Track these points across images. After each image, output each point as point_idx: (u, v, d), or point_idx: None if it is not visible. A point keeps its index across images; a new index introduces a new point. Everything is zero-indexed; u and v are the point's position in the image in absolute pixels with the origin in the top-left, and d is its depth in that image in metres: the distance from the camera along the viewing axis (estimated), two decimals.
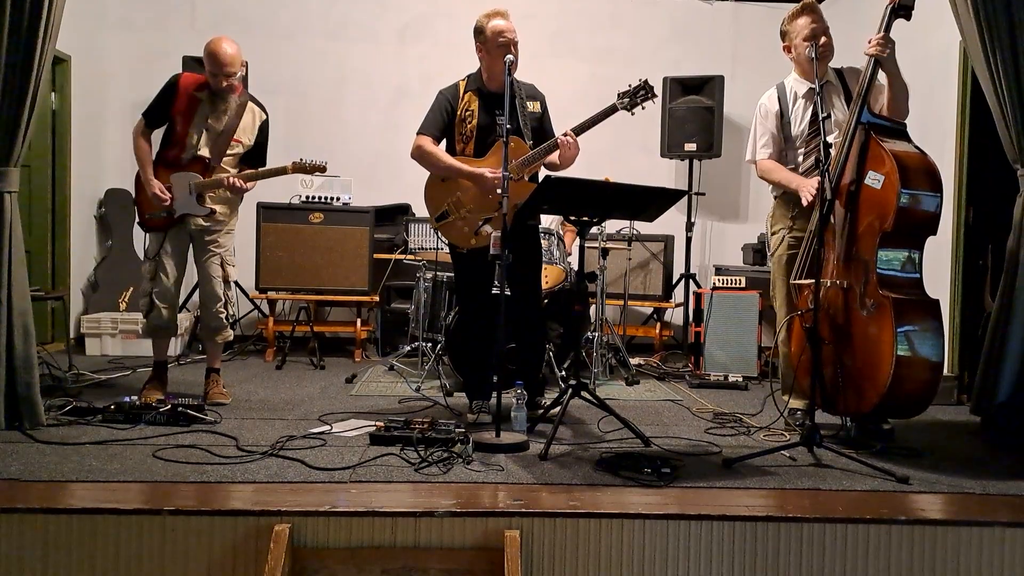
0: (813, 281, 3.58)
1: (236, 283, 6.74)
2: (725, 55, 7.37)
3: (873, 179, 3.66)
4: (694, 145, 6.85)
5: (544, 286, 4.93)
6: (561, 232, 5.52)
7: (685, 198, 7.05)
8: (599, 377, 5.47)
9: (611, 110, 3.93)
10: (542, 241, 5.03)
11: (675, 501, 2.95)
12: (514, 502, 2.88)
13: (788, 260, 4.09)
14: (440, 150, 4.13)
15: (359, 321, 6.45)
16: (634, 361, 6.28)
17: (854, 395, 3.68)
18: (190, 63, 6.53)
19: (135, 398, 4.12)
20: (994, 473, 3.42)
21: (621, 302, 6.32)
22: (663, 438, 3.88)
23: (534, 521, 2.77)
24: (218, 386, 4.55)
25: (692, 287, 6.83)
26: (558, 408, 3.92)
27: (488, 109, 4.08)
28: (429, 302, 5.59)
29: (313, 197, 6.41)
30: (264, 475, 3.14)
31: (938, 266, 5.36)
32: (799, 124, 4.13)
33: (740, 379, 5.53)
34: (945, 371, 5.22)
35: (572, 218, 3.77)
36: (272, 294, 6.37)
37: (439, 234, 4.31)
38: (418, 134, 4.12)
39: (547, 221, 5.09)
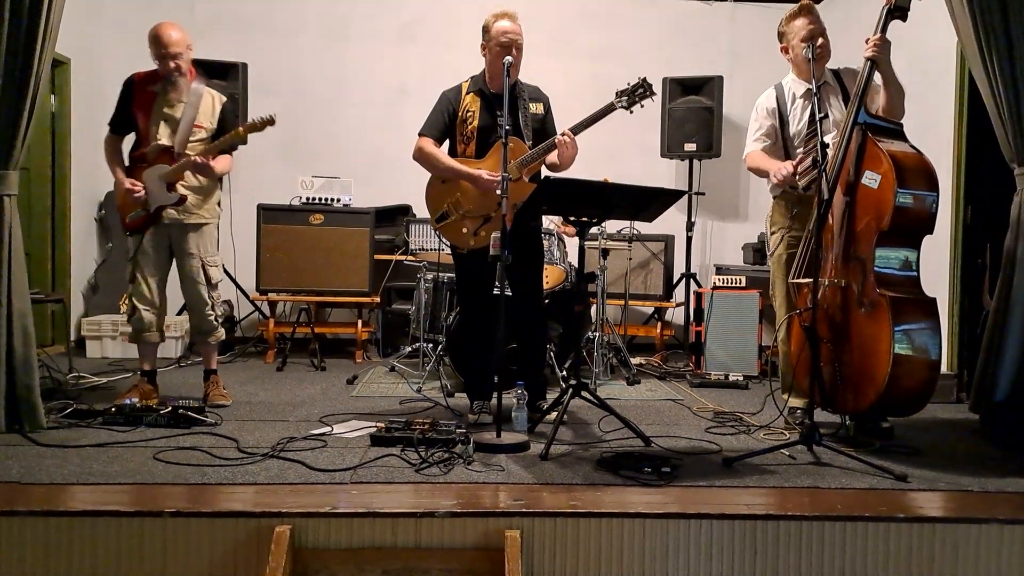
0: (811, 280, 3.59)
1: (237, 285, 6.87)
2: (723, 55, 7.39)
3: (870, 179, 3.67)
4: (694, 145, 6.87)
5: (545, 287, 4.94)
6: (559, 232, 5.54)
7: (685, 198, 7.08)
8: (600, 377, 5.48)
9: (609, 109, 3.94)
10: (543, 241, 5.06)
11: (675, 500, 2.96)
12: (514, 502, 2.89)
13: (787, 259, 4.10)
14: (440, 151, 4.14)
15: (360, 322, 6.46)
16: (635, 361, 6.30)
17: (852, 393, 3.68)
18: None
19: (136, 400, 4.12)
20: (993, 470, 3.43)
21: (622, 302, 6.32)
22: (664, 437, 3.89)
23: (535, 521, 2.78)
24: (218, 387, 4.56)
25: (693, 287, 6.84)
26: (559, 408, 3.92)
27: (489, 110, 4.09)
28: (430, 303, 5.60)
29: (313, 198, 6.42)
30: (265, 476, 3.15)
31: (937, 265, 5.37)
32: (797, 124, 4.14)
33: (741, 378, 5.54)
34: (944, 369, 5.28)
35: (572, 219, 3.77)
36: (273, 295, 6.37)
37: (440, 235, 4.32)
38: (420, 135, 4.15)
39: (546, 221, 5.09)
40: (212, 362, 4.66)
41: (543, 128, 4.18)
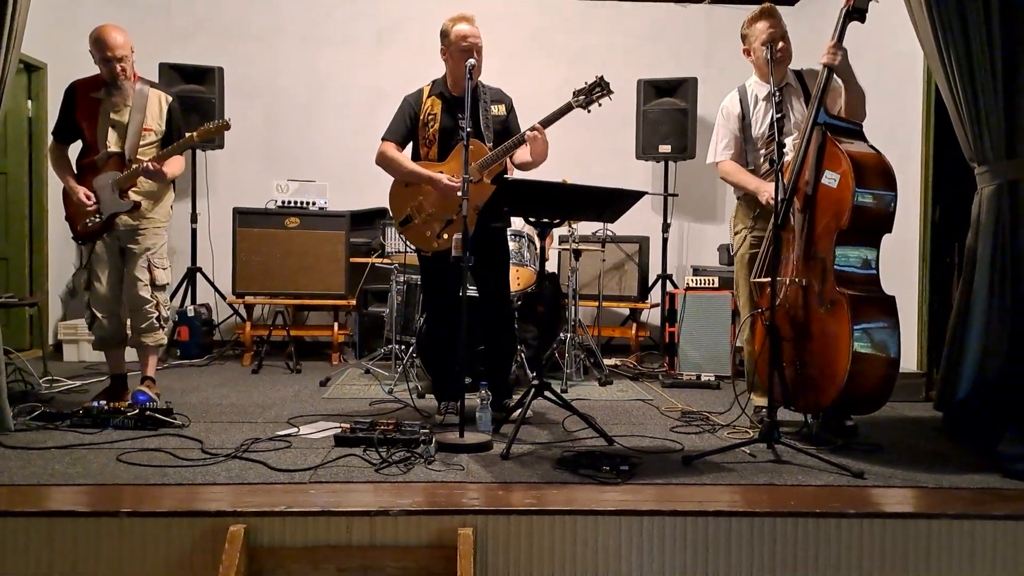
0: (772, 279, 3.63)
1: (215, 288, 6.88)
2: (698, 57, 7.41)
3: (830, 178, 3.71)
4: (668, 147, 6.89)
5: (515, 288, 4.97)
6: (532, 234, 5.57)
7: (661, 199, 7.12)
8: (572, 378, 5.51)
9: (567, 108, 3.96)
10: (512, 243, 5.08)
11: (630, 497, 2.99)
12: (470, 500, 2.92)
13: (750, 259, 4.13)
14: (401, 155, 4.17)
15: (336, 325, 6.48)
16: (611, 362, 6.33)
17: (813, 391, 3.72)
18: (167, 71, 6.57)
19: (104, 402, 4.12)
20: (951, 467, 3.47)
21: (596, 303, 6.35)
22: (627, 436, 3.91)
23: (489, 519, 2.81)
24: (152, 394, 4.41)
25: (669, 288, 6.86)
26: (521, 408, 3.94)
27: (450, 113, 4.11)
28: (403, 305, 5.62)
29: (289, 202, 6.44)
30: (225, 477, 3.17)
31: (906, 265, 5.41)
32: (760, 126, 4.17)
33: (712, 378, 5.56)
34: (914, 368, 5.34)
35: (532, 220, 3.80)
36: (249, 299, 6.39)
37: (403, 238, 4.34)
38: (382, 140, 4.18)
39: (519, 223, 5.11)
40: (149, 368, 4.54)
41: (506, 129, 4.20)
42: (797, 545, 2.83)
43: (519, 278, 5.09)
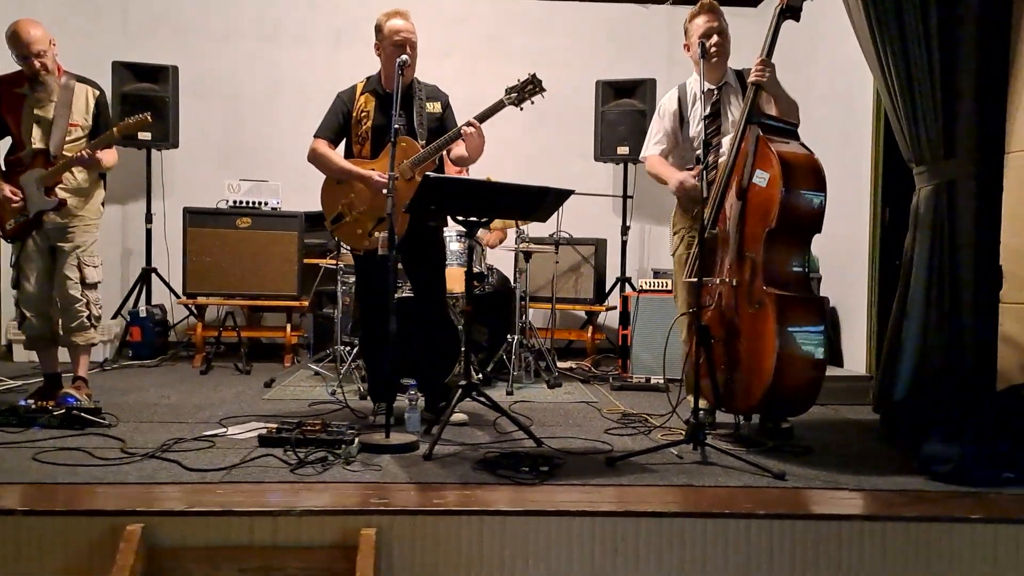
0: (699, 280, 3.60)
1: (170, 288, 6.81)
2: (660, 58, 7.37)
3: (760, 177, 3.69)
4: (627, 148, 6.86)
5: (456, 289, 4.92)
6: (484, 242, 5.53)
7: (620, 201, 7.09)
8: (522, 380, 5.47)
9: (499, 105, 3.92)
10: (457, 243, 5.04)
11: (543, 498, 2.95)
12: (377, 501, 2.87)
13: (686, 259, 4.10)
14: (332, 153, 4.13)
15: (289, 326, 6.44)
16: (566, 365, 6.30)
17: (743, 391, 3.70)
18: (120, 69, 6.52)
19: (31, 402, 4.06)
20: (878, 469, 3.43)
21: (548, 306, 6.30)
22: (558, 438, 3.87)
23: (394, 519, 2.76)
24: (81, 395, 4.30)
25: (627, 290, 6.83)
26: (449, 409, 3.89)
27: (384, 110, 4.05)
28: (350, 306, 5.58)
29: (241, 202, 6.39)
30: (136, 476, 3.12)
31: (855, 267, 5.40)
32: (697, 124, 4.14)
33: (662, 381, 5.52)
34: (862, 371, 5.31)
35: (459, 218, 3.75)
36: (201, 299, 6.33)
37: (335, 236, 4.30)
38: (314, 137, 4.13)
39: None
40: (81, 368, 4.46)
41: (441, 127, 4.14)
42: (707, 546, 2.79)
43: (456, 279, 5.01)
